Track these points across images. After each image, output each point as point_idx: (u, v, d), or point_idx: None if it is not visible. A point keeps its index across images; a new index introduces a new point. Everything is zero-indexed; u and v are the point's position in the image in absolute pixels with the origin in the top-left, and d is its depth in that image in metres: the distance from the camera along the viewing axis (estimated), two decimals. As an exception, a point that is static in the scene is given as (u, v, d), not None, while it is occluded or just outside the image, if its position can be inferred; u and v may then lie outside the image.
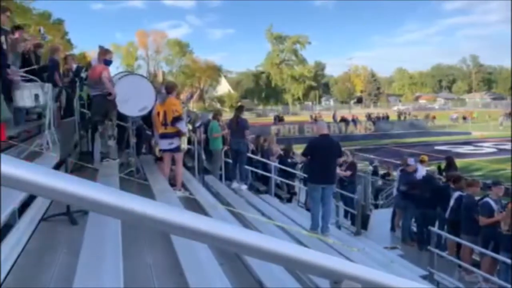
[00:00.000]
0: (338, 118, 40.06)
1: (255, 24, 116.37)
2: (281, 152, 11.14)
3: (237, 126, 8.75)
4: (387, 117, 43.23)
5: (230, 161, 9.14)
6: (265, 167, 10.18)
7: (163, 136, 6.40)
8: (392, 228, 9.69)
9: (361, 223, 8.54)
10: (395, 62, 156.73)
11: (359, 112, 52.93)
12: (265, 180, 10.16)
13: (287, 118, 45.86)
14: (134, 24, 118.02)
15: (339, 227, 8.61)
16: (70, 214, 3.85)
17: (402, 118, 44.45)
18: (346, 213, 9.97)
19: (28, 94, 5.79)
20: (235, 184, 8.80)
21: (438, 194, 8.29)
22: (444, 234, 7.43)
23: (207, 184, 8.11)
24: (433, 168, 11.83)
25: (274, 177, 9.75)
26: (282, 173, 10.21)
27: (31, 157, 5.12)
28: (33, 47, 8.24)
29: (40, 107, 6.39)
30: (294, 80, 74.46)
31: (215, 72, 72.88)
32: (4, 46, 5.76)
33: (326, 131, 6.92)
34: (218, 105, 60.51)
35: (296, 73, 74.33)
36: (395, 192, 10.11)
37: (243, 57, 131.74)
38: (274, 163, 10.00)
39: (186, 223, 0.78)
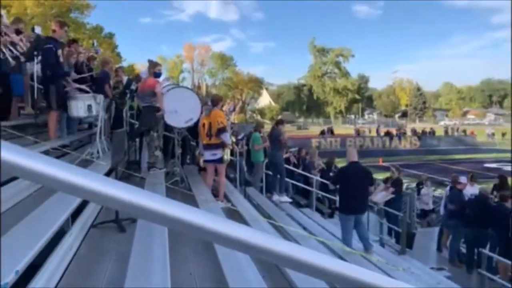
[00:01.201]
0: (382, 133, 39.03)
1: (296, 37, 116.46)
2: (323, 166, 11.00)
3: (271, 138, 8.81)
4: (433, 132, 41.62)
5: (271, 173, 9.14)
6: (307, 181, 10.08)
7: (207, 147, 6.53)
8: (439, 248, 9.27)
9: (406, 241, 8.23)
10: (442, 75, 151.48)
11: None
12: (306, 194, 10.06)
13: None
14: (180, 38, 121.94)
15: (382, 245, 8.34)
16: (119, 221, 3.97)
17: (450, 133, 42.60)
18: (389, 230, 9.65)
19: (82, 105, 6.11)
20: (275, 197, 8.77)
21: (490, 214, 7.85)
22: (496, 256, 7.01)
23: (248, 196, 8.15)
24: (485, 186, 11.21)
25: (316, 191, 9.63)
26: (323, 187, 10.07)
27: (83, 165, 5.36)
28: (86, 60, 8.74)
29: (92, 117, 6.72)
30: (337, 93, 73.53)
31: (256, 84, 73.77)
32: (61, 59, 6.13)
33: (356, 159, 6.54)
34: (259, 117, 60.85)
35: (339, 86, 73.34)
36: (442, 210, 9.67)
37: (284, 69, 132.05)
38: (315, 177, 9.89)
39: (230, 233, 0.78)
